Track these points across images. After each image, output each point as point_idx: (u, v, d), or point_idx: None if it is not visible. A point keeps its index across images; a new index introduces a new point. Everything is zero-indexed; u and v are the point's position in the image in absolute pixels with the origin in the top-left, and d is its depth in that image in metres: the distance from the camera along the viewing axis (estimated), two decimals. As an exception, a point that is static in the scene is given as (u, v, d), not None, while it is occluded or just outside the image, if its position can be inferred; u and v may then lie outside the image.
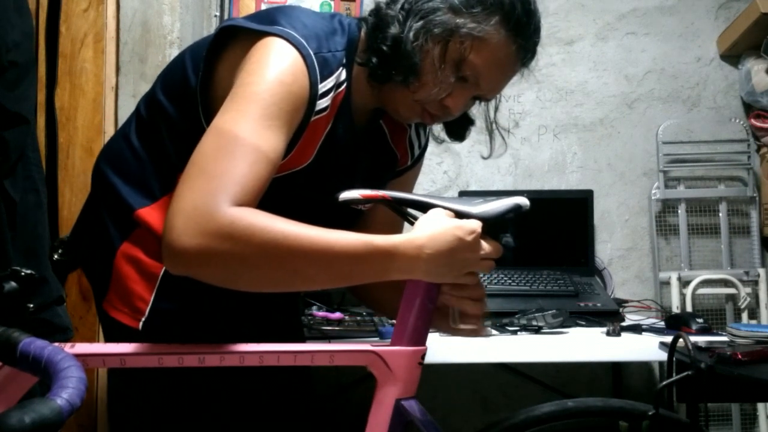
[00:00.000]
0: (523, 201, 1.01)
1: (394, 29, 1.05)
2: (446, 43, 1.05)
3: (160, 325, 1.04)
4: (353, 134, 1.12)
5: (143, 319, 1.04)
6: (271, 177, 0.93)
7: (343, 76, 1.06)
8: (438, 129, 1.26)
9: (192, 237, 0.84)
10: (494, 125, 1.22)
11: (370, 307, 1.47)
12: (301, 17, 1.05)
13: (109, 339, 1.11)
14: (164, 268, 1.00)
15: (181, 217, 0.85)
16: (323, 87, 1.01)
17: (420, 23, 1.05)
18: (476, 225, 0.96)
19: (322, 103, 1.01)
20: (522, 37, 1.08)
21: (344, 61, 1.06)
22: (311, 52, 0.99)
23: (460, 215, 0.99)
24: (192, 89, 1.05)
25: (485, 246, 0.97)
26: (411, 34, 1.04)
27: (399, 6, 1.07)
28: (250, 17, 1.08)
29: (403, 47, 1.04)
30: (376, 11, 1.09)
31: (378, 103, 1.14)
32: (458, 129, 1.23)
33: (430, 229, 0.95)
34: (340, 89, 1.05)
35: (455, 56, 1.05)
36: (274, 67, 0.96)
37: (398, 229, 1.32)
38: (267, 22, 1.02)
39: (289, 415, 1.22)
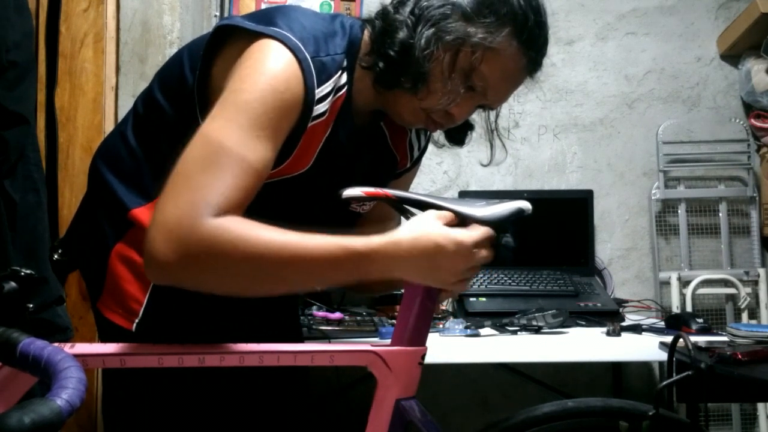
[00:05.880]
0: (526, 205, 0.99)
1: (402, 34, 1.02)
2: (457, 52, 1.02)
3: (153, 327, 1.03)
4: (354, 137, 1.10)
5: (137, 320, 1.04)
6: (258, 188, 0.92)
7: (344, 79, 1.03)
8: (437, 133, 1.25)
9: (174, 250, 0.84)
10: (495, 132, 1.20)
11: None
12: (299, 18, 1.02)
13: (103, 340, 1.10)
14: None
15: (164, 229, 0.85)
16: (320, 92, 0.98)
17: (431, 30, 1.01)
18: (465, 236, 0.93)
19: (320, 108, 0.99)
20: (533, 50, 1.06)
21: (344, 64, 1.03)
22: (308, 56, 0.97)
23: (461, 217, 0.97)
24: (189, 88, 1.04)
25: (479, 254, 0.94)
26: (422, 42, 1.01)
27: (408, 10, 1.04)
28: (248, 16, 1.05)
29: (413, 54, 1.01)
30: (384, 15, 1.06)
31: (380, 105, 1.12)
32: (458, 134, 1.21)
33: (415, 231, 0.93)
34: (340, 93, 1.03)
35: (465, 66, 1.03)
36: (268, 73, 0.94)
37: (391, 225, 1.31)
38: (264, 23, 1.00)
39: (284, 415, 1.22)
